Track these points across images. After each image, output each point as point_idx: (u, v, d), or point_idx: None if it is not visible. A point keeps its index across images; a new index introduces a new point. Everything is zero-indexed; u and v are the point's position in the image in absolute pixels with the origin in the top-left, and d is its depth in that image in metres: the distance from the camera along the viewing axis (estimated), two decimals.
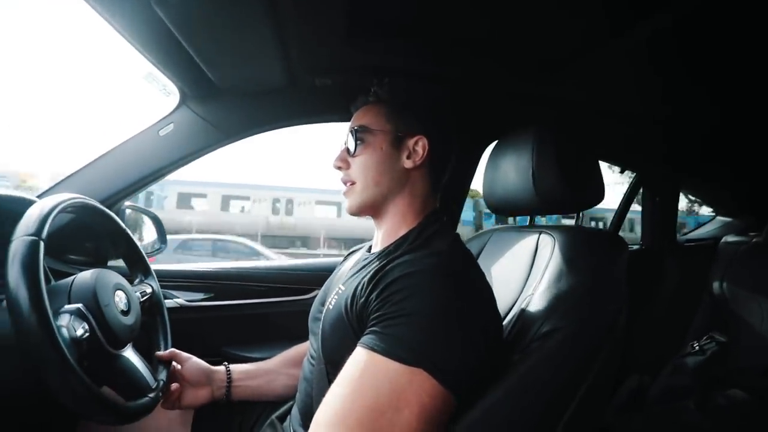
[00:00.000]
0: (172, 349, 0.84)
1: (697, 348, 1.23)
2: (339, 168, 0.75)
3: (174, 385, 0.81)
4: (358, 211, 0.75)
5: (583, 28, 0.91)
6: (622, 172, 1.66)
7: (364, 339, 0.56)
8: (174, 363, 0.83)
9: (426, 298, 0.56)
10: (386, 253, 0.69)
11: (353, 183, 0.74)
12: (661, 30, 0.87)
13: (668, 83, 1.17)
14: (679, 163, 1.69)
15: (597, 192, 0.80)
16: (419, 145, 0.72)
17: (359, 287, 0.62)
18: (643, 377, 1.23)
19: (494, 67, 1.08)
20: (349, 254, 0.92)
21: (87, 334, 0.60)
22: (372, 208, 0.74)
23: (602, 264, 0.69)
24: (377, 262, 0.66)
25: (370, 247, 0.80)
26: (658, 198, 1.73)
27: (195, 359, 0.85)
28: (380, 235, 0.76)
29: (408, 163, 0.72)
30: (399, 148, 0.72)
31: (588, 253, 0.70)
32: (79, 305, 0.62)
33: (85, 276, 0.68)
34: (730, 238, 1.55)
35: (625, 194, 1.78)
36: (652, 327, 1.58)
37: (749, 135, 1.46)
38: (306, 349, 0.90)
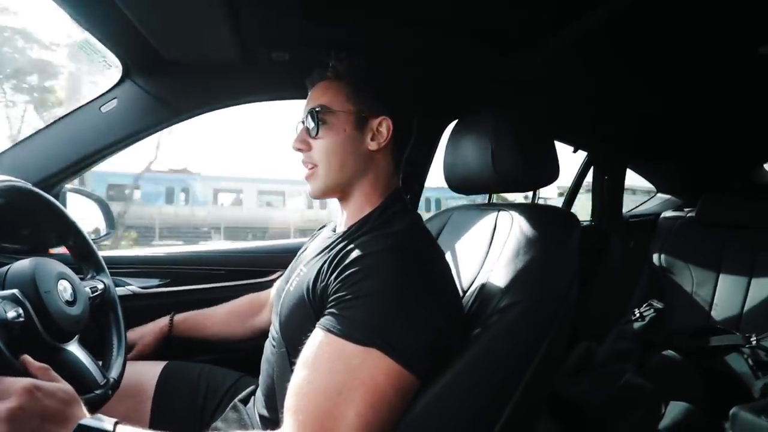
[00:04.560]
0: None
1: (637, 315, 1.34)
2: (299, 150, 0.72)
3: None
4: (322, 195, 0.73)
5: (544, 10, 0.92)
6: (574, 151, 1.74)
7: (322, 320, 0.56)
8: None
9: (380, 278, 0.56)
10: (348, 234, 0.69)
11: (315, 166, 0.71)
12: (610, 20, 0.91)
13: (617, 71, 1.23)
14: (626, 145, 1.79)
15: (552, 171, 0.83)
16: (383, 126, 0.70)
17: (322, 270, 0.62)
18: (590, 344, 1.32)
19: (458, 46, 1.08)
20: (318, 230, 0.91)
21: (21, 319, 0.56)
22: (336, 192, 0.73)
23: (557, 240, 0.73)
24: (340, 244, 0.66)
25: (336, 227, 0.80)
26: (607, 177, 1.83)
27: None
28: (344, 215, 0.75)
29: (372, 145, 0.70)
30: (362, 130, 0.70)
31: (544, 230, 0.73)
32: (14, 291, 0.57)
33: (22, 263, 0.63)
34: (668, 214, 1.68)
35: (576, 173, 1.88)
36: (599, 297, 1.70)
37: (687, 120, 1.58)
38: (257, 302, 1.01)
